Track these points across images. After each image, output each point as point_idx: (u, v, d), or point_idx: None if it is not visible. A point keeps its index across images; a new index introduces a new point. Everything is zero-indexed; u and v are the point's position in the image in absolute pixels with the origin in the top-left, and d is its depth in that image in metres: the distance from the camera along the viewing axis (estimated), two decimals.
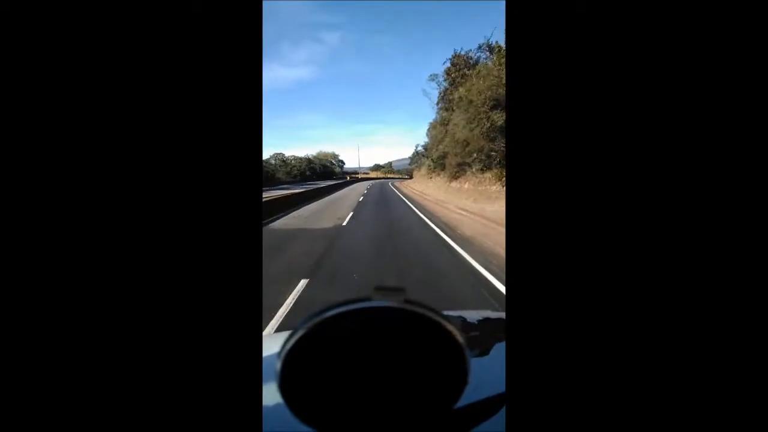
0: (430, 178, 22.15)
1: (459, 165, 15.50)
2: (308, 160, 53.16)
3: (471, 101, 13.34)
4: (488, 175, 12.80)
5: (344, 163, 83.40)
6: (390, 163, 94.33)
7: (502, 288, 3.45)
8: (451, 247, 5.20)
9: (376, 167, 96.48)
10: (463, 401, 0.31)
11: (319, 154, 69.63)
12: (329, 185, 22.77)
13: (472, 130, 13.29)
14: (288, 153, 55.16)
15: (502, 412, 0.44)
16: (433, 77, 23.43)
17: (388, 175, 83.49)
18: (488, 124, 12.46)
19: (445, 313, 0.27)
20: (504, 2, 0.40)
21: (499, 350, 0.71)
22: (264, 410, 0.40)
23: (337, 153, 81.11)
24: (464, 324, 0.93)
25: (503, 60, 12.15)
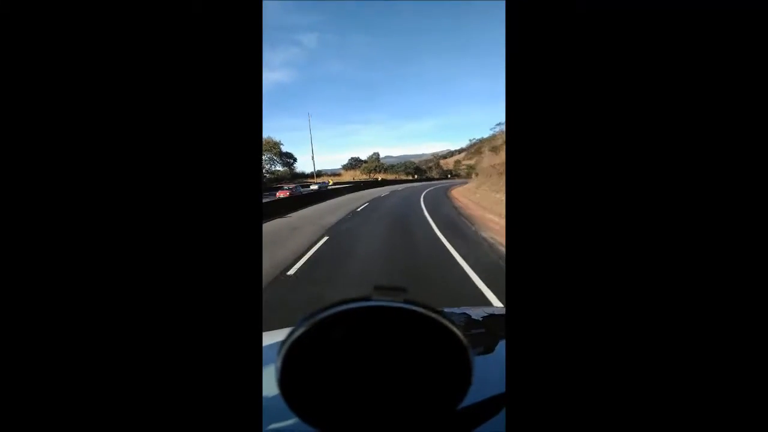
0: None
1: None
2: None
3: None
4: None
5: (295, 160, 45.68)
6: (377, 155, 56.26)
7: None
8: None
9: (355, 163, 58.15)
10: (466, 401, 0.31)
11: None
12: None
13: None
14: None
15: (504, 412, 0.44)
16: None
17: (377, 176, 45.26)
18: None
19: (448, 310, 0.26)
20: (504, 2, 0.40)
21: (504, 347, 0.70)
22: (264, 410, 0.40)
23: (279, 141, 42.99)
24: (468, 321, 0.89)
25: None
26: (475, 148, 28.68)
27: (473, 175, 22.38)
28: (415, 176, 55.46)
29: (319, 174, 48.14)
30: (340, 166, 60.59)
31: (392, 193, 19.33)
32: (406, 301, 0.28)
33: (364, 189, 23.57)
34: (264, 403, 0.40)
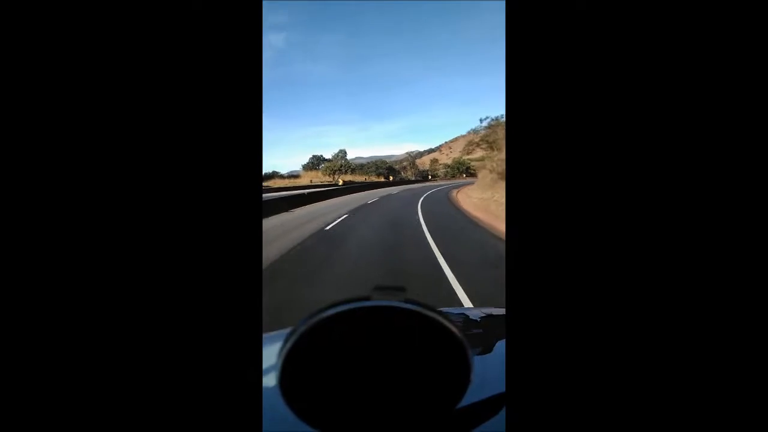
0: None
1: None
2: None
3: None
4: None
5: None
6: (343, 152, 47.28)
7: None
8: None
9: (317, 162, 48.88)
10: (465, 400, 0.31)
11: None
12: None
13: None
14: None
15: (504, 411, 0.44)
16: None
17: (339, 179, 36.36)
18: None
19: (447, 310, 0.25)
20: (504, 2, 0.40)
21: (502, 348, 0.70)
22: (264, 410, 0.40)
23: None
24: (467, 321, 0.90)
25: None
26: (480, 136, 19.71)
27: (493, 174, 13.11)
28: (391, 178, 47.05)
29: (272, 176, 38.79)
30: (301, 167, 51.21)
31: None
32: (405, 301, 0.28)
33: (278, 212, 8.89)
34: (264, 403, 0.40)
